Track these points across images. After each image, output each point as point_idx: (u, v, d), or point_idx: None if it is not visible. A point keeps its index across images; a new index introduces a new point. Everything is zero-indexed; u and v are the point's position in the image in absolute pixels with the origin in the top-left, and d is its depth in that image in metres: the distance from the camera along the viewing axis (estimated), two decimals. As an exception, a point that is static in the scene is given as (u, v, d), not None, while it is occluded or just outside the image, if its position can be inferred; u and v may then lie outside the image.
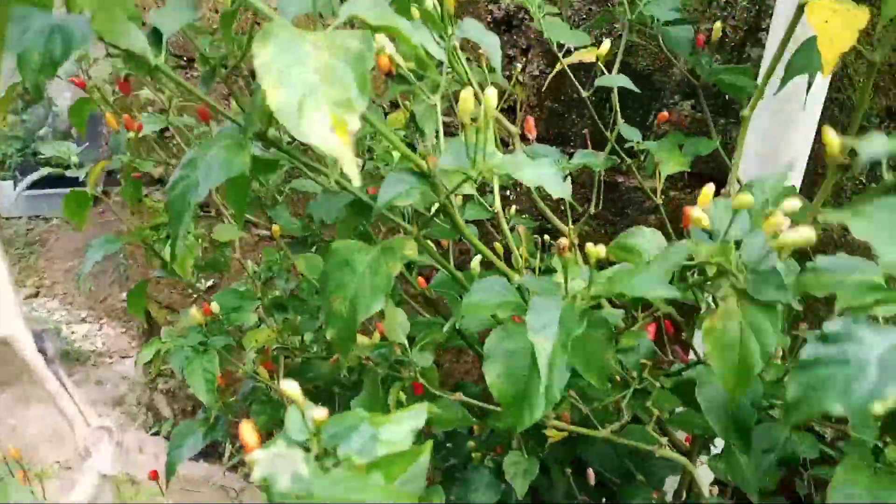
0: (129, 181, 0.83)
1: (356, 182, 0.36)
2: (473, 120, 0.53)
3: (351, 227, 0.68)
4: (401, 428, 0.41)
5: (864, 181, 1.09)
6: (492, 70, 0.69)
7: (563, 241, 0.49)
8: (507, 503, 0.90)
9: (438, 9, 0.70)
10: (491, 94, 0.51)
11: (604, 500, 0.91)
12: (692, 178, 1.29)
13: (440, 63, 0.62)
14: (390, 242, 0.61)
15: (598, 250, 0.50)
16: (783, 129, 0.98)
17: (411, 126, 0.80)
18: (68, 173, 0.83)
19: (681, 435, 0.87)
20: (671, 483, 0.98)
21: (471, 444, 0.96)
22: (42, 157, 0.90)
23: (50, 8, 0.43)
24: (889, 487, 0.46)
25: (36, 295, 3.11)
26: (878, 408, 0.29)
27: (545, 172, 0.52)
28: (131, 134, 0.79)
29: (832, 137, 0.40)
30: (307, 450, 0.39)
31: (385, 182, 0.57)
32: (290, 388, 0.39)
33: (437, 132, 0.65)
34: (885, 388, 0.29)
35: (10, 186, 3.38)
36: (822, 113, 0.99)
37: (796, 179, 1.02)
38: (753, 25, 1.16)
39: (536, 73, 1.41)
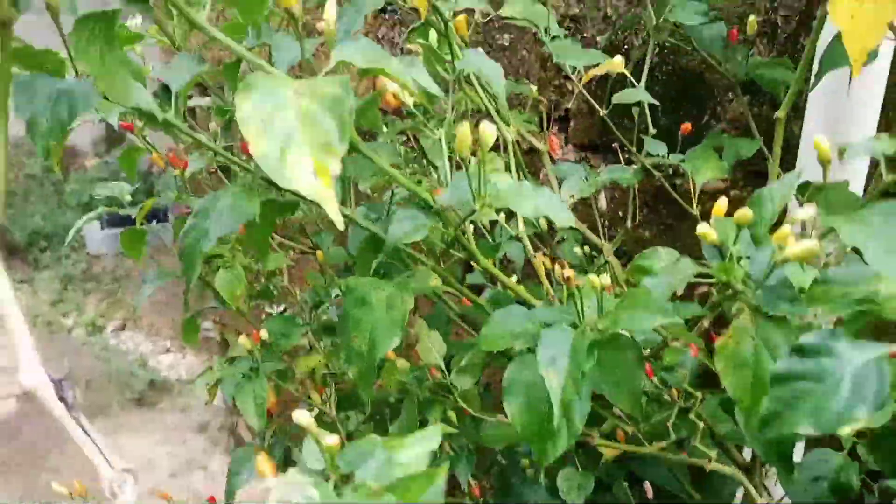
0: (177, 217, 0.87)
1: (340, 226, 0.36)
2: (473, 154, 0.52)
3: (368, 261, 0.68)
4: (415, 450, 0.41)
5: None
6: (495, 98, 0.68)
7: (567, 272, 0.48)
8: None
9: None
10: (489, 130, 0.49)
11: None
12: (753, 176, 1.24)
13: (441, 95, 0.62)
14: (405, 278, 0.61)
15: (599, 280, 0.49)
16: (841, 115, 0.91)
17: (417, 161, 0.80)
18: (122, 212, 0.87)
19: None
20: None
21: (525, 461, 0.94)
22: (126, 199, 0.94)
23: (62, 75, 0.45)
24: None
25: (123, 328, 3.28)
26: (847, 430, 0.26)
27: (546, 202, 0.51)
28: (177, 172, 0.82)
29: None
30: (326, 479, 0.40)
31: (394, 220, 0.57)
32: (303, 418, 0.40)
33: (445, 165, 0.64)
34: (855, 409, 0.26)
35: (97, 226, 3.58)
36: (888, 77, 0.91)
37: (861, 166, 0.94)
38: (805, 13, 1.10)
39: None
